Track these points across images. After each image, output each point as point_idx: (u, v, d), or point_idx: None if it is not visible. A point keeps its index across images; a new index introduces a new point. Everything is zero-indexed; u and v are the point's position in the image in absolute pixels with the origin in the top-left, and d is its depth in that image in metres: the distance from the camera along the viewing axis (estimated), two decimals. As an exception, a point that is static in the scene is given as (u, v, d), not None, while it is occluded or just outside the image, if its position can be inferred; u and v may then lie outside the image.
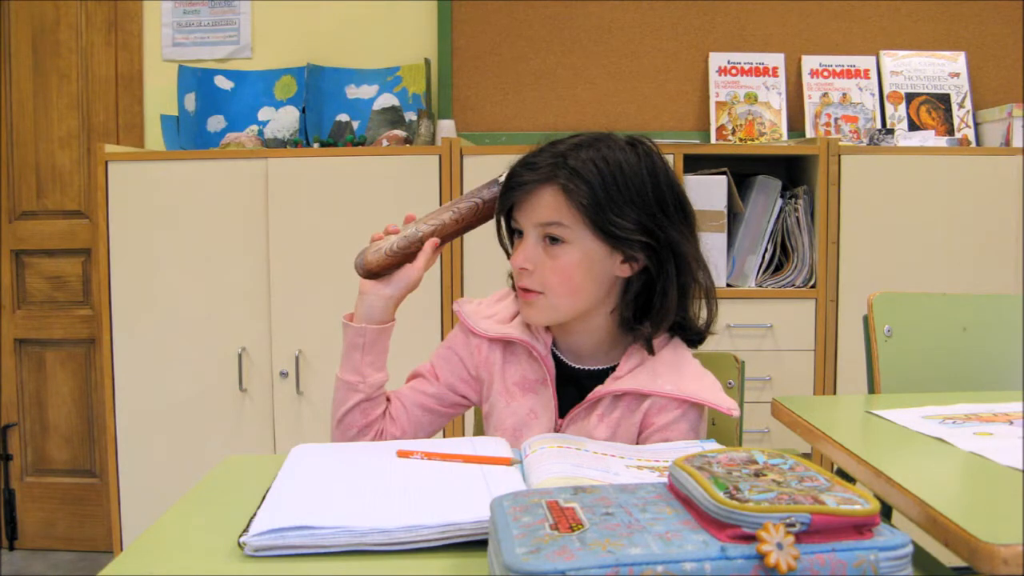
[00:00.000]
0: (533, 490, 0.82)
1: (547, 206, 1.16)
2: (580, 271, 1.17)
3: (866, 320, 1.45)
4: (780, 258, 2.44)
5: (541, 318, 1.22)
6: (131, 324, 2.46)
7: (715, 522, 0.67)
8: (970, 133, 2.70)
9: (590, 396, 1.20)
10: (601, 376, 1.23)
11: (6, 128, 2.93)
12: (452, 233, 1.26)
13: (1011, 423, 1.01)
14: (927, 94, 2.73)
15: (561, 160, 1.16)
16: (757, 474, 0.74)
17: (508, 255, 1.25)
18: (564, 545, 0.65)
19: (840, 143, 2.41)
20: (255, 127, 2.79)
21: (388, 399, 1.30)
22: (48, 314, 2.94)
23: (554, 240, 1.17)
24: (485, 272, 2.36)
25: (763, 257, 2.42)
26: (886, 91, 2.73)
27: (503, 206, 1.21)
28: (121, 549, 2.48)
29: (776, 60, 2.76)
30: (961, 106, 2.72)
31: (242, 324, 2.45)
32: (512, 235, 1.24)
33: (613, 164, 1.15)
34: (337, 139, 2.68)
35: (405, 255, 1.24)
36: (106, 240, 2.45)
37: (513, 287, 1.28)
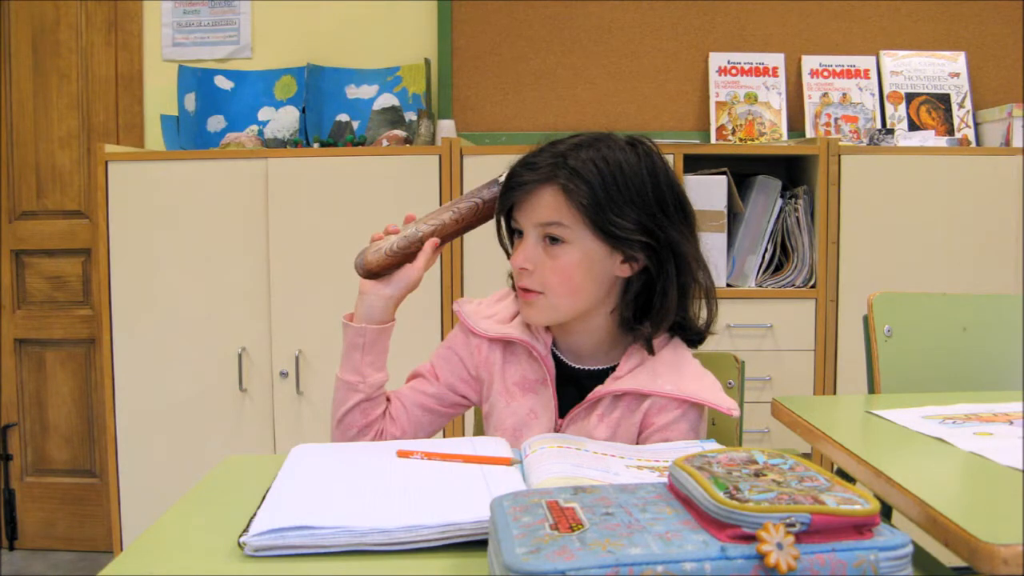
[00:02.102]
0: (533, 490, 0.82)
1: (547, 206, 1.16)
2: (580, 271, 1.17)
3: (866, 320, 1.45)
4: (780, 258, 2.44)
5: (541, 318, 1.22)
6: (131, 324, 2.46)
7: (715, 522, 0.67)
8: (970, 133, 2.70)
9: (590, 396, 1.20)
10: (601, 376, 1.23)
11: (6, 128, 2.93)
12: (452, 233, 1.26)
13: (1011, 423, 1.01)
14: (927, 94, 2.73)
15: (561, 160, 1.16)
16: (757, 474, 0.74)
17: (508, 255, 1.25)
18: (564, 545, 0.65)
19: (840, 143, 2.41)
20: (255, 127, 2.79)
21: (388, 399, 1.30)
22: (48, 314, 2.94)
23: (554, 240, 1.17)
24: (485, 272, 2.36)
25: (763, 257, 2.42)
26: (886, 91, 2.73)
27: (503, 206, 1.21)
28: (121, 549, 2.48)
29: (776, 60, 2.76)
30: (961, 106, 2.72)
31: (242, 324, 2.45)
32: (512, 235, 1.24)
33: (613, 164, 1.15)
34: (337, 139, 2.68)
35: (405, 255, 1.24)
36: (106, 240, 2.45)
37: (513, 287, 1.28)
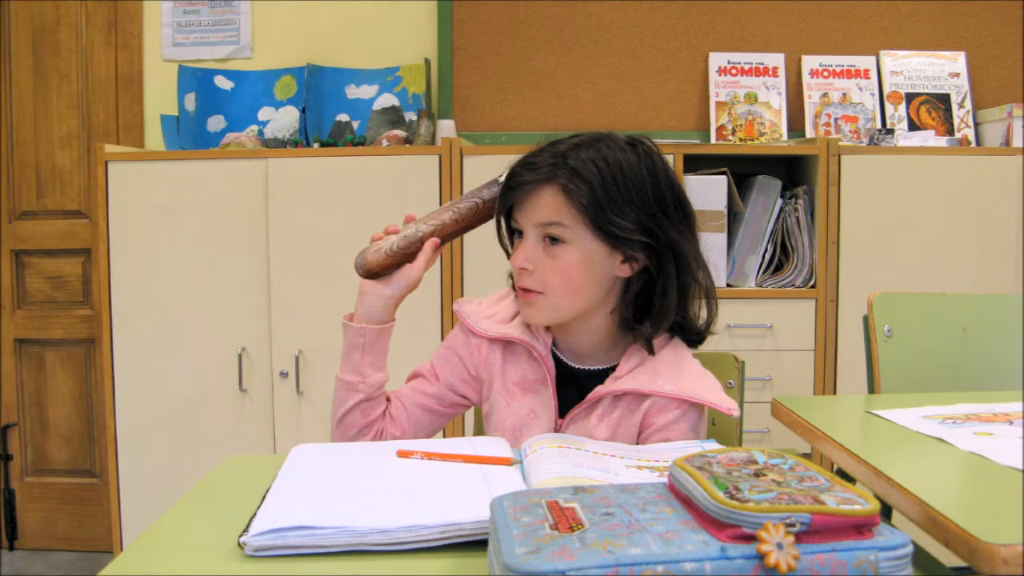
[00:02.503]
0: (533, 490, 0.82)
1: (547, 206, 1.16)
2: (580, 271, 1.17)
3: (866, 320, 1.45)
4: (780, 258, 2.44)
5: (541, 318, 1.22)
6: (131, 324, 2.46)
7: (715, 522, 0.67)
8: (970, 133, 2.70)
9: (590, 396, 1.20)
10: (601, 376, 1.23)
11: (6, 128, 2.93)
12: (452, 233, 1.26)
13: (1011, 423, 1.01)
14: (927, 94, 2.73)
15: (561, 160, 1.16)
16: (757, 474, 0.74)
17: (508, 255, 1.25)
18: (564, 545, 0.65)
19: (840, 143, 2.41)
20: (255, 127, 2.79)
21: (388, 399, 1.30)
22: (48, 314, 2.95)
23: (554, 240, 1.17)
24: (485, 272, 2.36)
25: (763, 257, 2.42)
26: (886, 91, 2.73)
27: (503, 206, 1.21)
28: (121, 549, 2.48)
29: (776, 60, 2.76)
30: (961, 106, 2.72)
31: (242, 324, 2.45)
32: (512, 235, 1.24)
33: (613, 164, 1.15)
34: (337, 139, 2.68)
35: (405, 255, 1.24)
36: (106, 240, 2.45)
37: (513, 287, 1.28)
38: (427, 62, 2.79)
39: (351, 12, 2.85)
